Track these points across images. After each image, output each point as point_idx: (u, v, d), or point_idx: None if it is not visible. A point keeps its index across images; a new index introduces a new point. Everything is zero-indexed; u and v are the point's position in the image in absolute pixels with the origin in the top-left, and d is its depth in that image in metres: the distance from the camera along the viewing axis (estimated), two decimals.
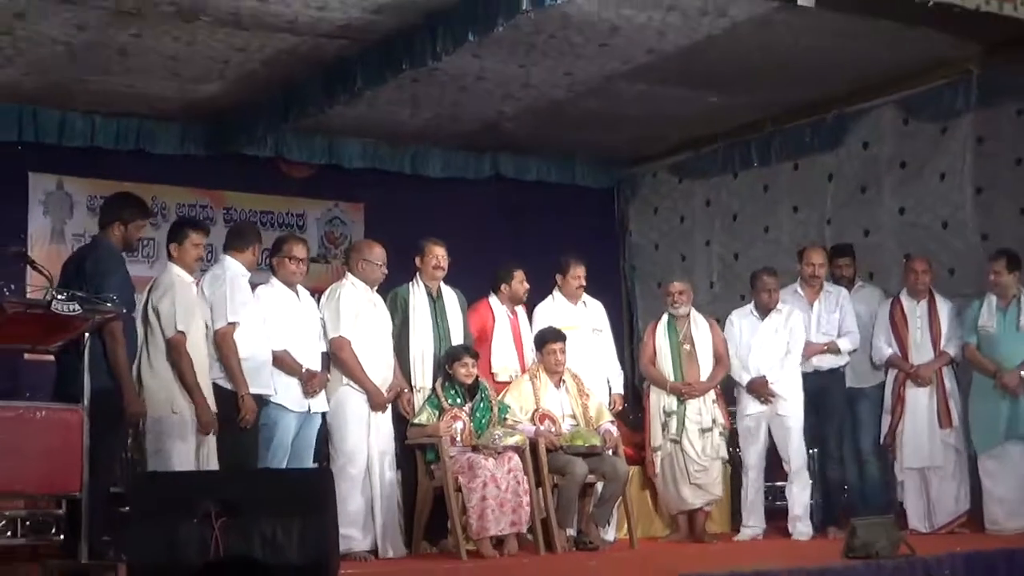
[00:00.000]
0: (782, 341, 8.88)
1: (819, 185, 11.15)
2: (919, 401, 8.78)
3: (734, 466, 9.26)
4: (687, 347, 8.83)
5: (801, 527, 8.74)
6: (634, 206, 12.89)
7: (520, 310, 8.89)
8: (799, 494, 8.81)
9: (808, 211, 11.27)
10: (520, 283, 8.76)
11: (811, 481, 8.90)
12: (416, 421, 7.99)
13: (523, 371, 8.64)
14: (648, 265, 12.52)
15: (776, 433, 8.84)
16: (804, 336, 8.86)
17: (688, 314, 8.93)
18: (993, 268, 8.51)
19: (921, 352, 8.84)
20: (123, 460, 7.13)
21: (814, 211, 11.18)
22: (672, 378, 8.79)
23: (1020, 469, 8.31)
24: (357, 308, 7.91)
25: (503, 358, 8.60)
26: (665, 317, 8.98)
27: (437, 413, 7.95)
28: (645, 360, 8.93)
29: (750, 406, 8.88)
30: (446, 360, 8.12)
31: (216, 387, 7.10)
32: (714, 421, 8.80)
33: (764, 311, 8.93)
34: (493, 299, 8.83)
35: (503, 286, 8.81)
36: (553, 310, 8.94)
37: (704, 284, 11.99)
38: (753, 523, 8.87)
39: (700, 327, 8.94)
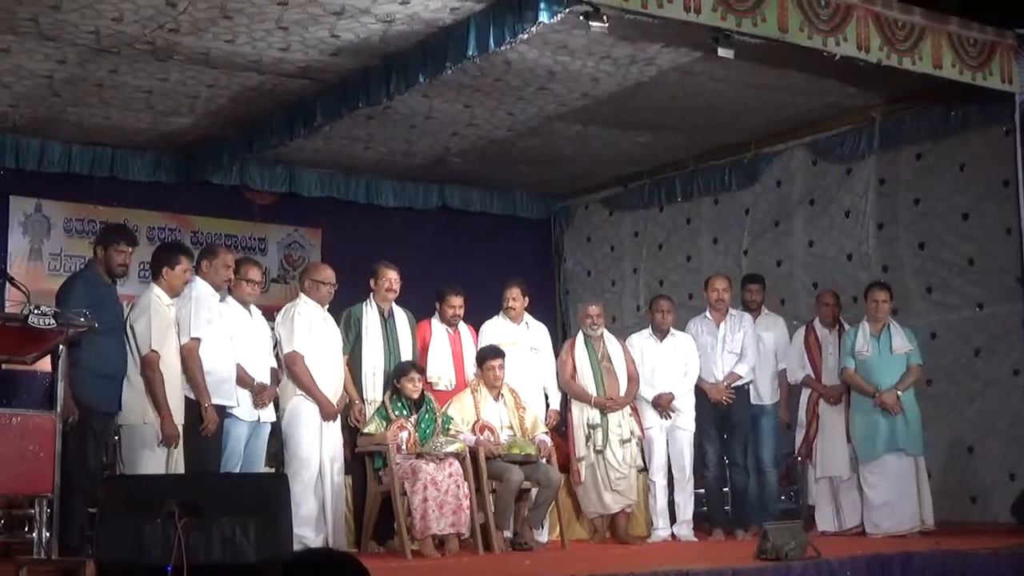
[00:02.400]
0: (680, 362, 8.95)
1: (737, 218, 11.24)
2: (831, 418, 8.81)
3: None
4: (606, 365, 8.80)
5: (686, 531, 8.88)
6: (569, 235, 12.94)
7: (464, 328, 8.83)
8: (687, 501, 8.91)
9: (727, 242, 11.35)
10: (449, 306, 8.70)
11: (696, 489, 9.00)
12: (366, 431, 7.94)
13: (460, 381, 8.62)
14: (581, 289, 12.52)
15: (672, 445, 8.92)
16: (698, 359, 8.95)
17: (602, 335, 8.93)
18: (878, 297, 8.55)
19: (832, 375, 8.87)
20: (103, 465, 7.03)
21: (732, 242, 11.27)
22: (595, 393, 8.73)
23: (896, 478, 8.39)
24: (309, 325, 7.86)
25: (437, 368, 8.54)
26: (581, 337, 8.94)
27: (385, 423, 7.90)
28: (566, 376, 8.85)
29: (650, 419, 8.92)
30: (394, 375, 8.08)
31: (185, 399, 7.02)
32: (632, 433, 8.78)
33: (661, 333, 8.99)
34: (434, 318, 8.80)
35: (437, 306, 8.80)
36: (497, 328, 8.92)
37: (631, 307, 12.05)
38: (662, 525, 8.91)
39: (614, 347, 8.93)
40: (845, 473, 8.71)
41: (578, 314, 9.39)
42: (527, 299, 9.01)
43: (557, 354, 9.11)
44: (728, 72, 8.77)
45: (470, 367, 8.72)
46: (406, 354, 8.35)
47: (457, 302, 8.75)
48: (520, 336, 8.94)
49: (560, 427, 9.13)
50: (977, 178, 9.36)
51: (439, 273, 10.07)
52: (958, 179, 9.47)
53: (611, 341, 8.99)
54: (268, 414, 7.66)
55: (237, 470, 7.30)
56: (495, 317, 8.98)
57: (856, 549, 7.21)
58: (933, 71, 7.98)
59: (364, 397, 8.19)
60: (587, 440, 8.72)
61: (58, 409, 6.09)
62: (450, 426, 8.17)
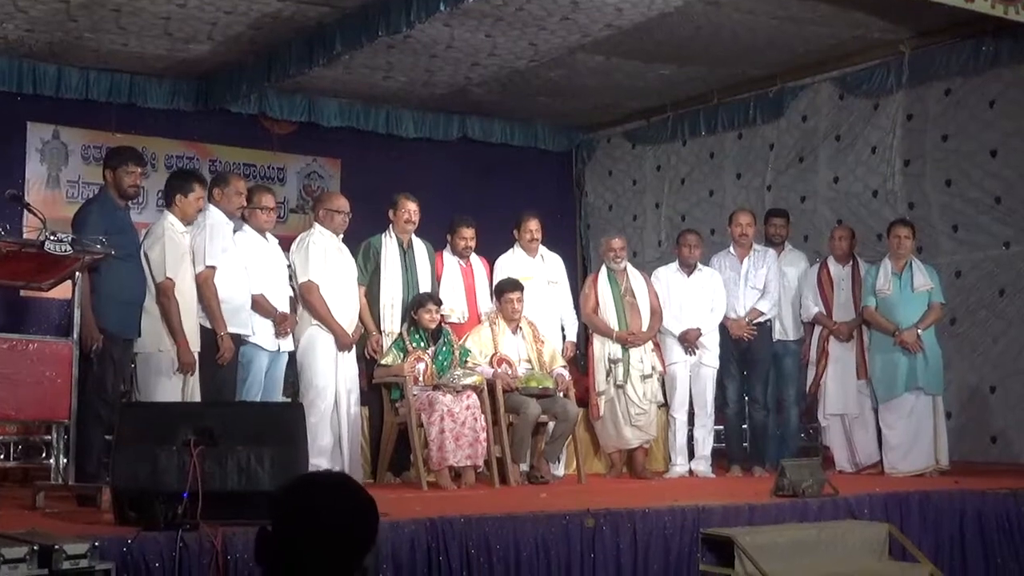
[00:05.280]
0: (708, 298, 8.95)
1: (761, 153, 11.17)
2: (841, 355, 8.80)
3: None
4: (629, 299, 8.82)
5: (704, 467, 8.92)
6: (590, 169, 12.89)
7: (476, 260, 8.85)
8: (706, 437, 8.96)
9: (750, 177, 11.29)
10: (460, 238, 8.71)
11: (715, 426, 9.05)
12: (383, 362, 7.97)
13: (472, 314, 8.66)
14: (602, 224, 12.46)
15: (695, 381, 8.94)
16: (725, 296, 8.94)
17: (625, 268, 8.93)
18: (901, 234, 8.51)
19: (844, 311, 8.85)
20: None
21: (756, 177, 11.20)
22: (616, 328, 8.73)
23: (914, 417, 8.39)
24: (324, 255, 7.87)
25: (449, 300, 8.50)
26: (604, 271, 8.95)
27: (402, 355, 7.93)
28: (588, 310, 8.86)
29: (675, 354, 8.92)
30: (412, 306, 8.10)
31: (200, 327, 7.03)
32: (653, 368, 8.79)
33: (688, 268, 8.98)
34: (446, 250, 8.82)
35: (448, 238, 8.80)
36: (512, 262, 8.93)
37: (653, 242, 12.02)
38: (680, 462, 8.93)
39: (637, 281, 8.93)
40: (854, 411, 8.72)
41: (600, 247, 9.38)
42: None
43: (574, 287, 9.17)
44: (755, 3, 8.72)
45: (483, 300, 8.77)
46: (424, 286, 8.39)
47: (468, 233, 8.76)
48: (537, 269, 8.97)
49: (579, 360, 9.18)
50: (1007, 115, 9.27)
51: (458, 205, 10.07)
52: (987, 116, 9.38)
53: (634, 275, 9.00)
54: (288, 344, 7.69)
55: (258, 398, 7.36)
56: (510, 251, 9.02)
57: (873, 487, 7.22)
58: (964, 4, 7.81)
59: (382, 329, 8.24)
60: (608, 375, 8.74)
61: (75, 336, 6.10)
62: (468, 359, 8.18)
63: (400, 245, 8.40)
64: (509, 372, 8.28)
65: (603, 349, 8.80)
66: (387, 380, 7.98)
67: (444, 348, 8.09)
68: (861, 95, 10.30)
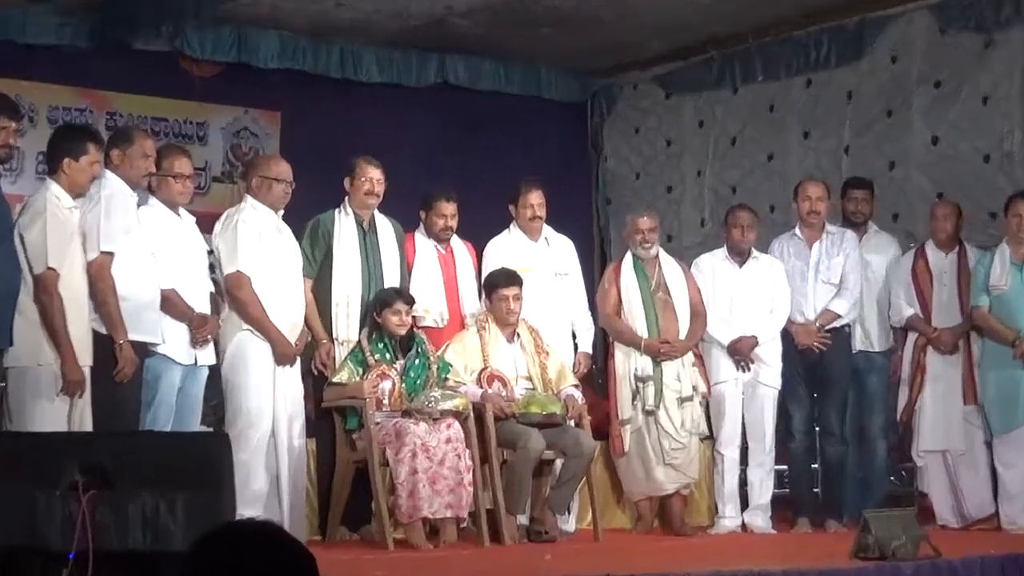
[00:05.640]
0: (765, 295, 9.04)
1: (836, 106, 11.18)
2: (942, 372, 8.90)
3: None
4: (662, 296, 8.87)
5: (761, 521, 8.99)
6: (611, 125, 12.90)
7: (459, 245, 8.94)
8: (764, 480, 9.04)
9: (822, 137, 11.31)
10: (438, 215, 8.78)
11: (776, 466, 9.17)
12: (335, 379, 7.98)
13: (453, 317, 8.75)
14: (627, 197, 12.51)
15: (750, 406, 9.04)
16: (788, 292, 9.02)
17: (657, 256, 8.99)
18: (1023, 212, 8.56)
19: (946, 314, 8.93)
20: None
21: (829, 137, 11.22)
22: (645, 334, 8.78)
23: None
24: (259, 237, 7.88)
25: (423, 298, 8.58)
26: (629, 259, 9.01)
27: (361, 370, 7.95)
28: (608, 311, 8.94)
29: (723, 370, 9.00)
30: (375, 306, 8.13)
31: (93, 333, 7.02)
32: (694, 389, 8.84)
33: (740, 256, 9.09)
34: (419, 232, 8.87)
35: (422, 216, 8.86)
36: (507, 247, 9.02)
37: (694, 221, 12.07)
38: (730, 512, 9.00)
39: (672, 272, 8.99)
40: (959, 446, 8.80)
41: (625, 228, 9.38)
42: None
43: (589, 281, 9.29)
44: None
45: (468, 298, 8.85)
46: (391, 278, 8.40)
47: (449, 210, 8.80)
48: (540, 257, 9.06)
49: (595, 378, 9.29)
50: None
51: (436, 172, 10.15)
52: None
53: (669, 264, 9.05)
54: (208, 355, 7.70)
55: (167, 428, 7.31)
56: (505, 232, 9.09)
57: (987, 548, 7.19)
58: None
59: (334, 335, 8.26)
60: (634, 397, 8.76)
61: None
62: (448, 375, 8.22)
63: (359, 225, 8.40)
64: (503, 393, 8.32)
65: (628, 363, 8.81)
66: (341, 403, 7.98)
67: (417, 361, 8.11)
68: (969, 28, 10.30)
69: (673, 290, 8.93)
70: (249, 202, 8.05)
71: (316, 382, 8.22)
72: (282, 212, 8.10)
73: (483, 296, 8.72)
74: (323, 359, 8.22)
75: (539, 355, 8.59)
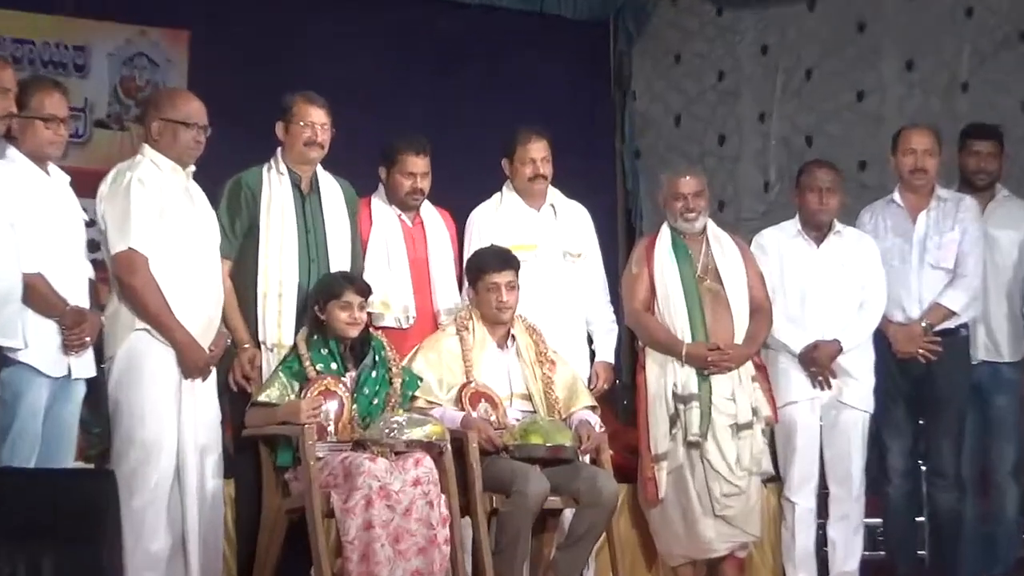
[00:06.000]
0: (853, 284, 9.11)
1: (948, 24, 11.25)
2: None
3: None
4: (711, 285, 8.91)
5: None
6: (641, 51, 13.01)
7: (433, 214, 9.01)
8: (851, 538, 9.11)
9: (928, 67, 11.39)
10: (405, 174, 8.80)
11: (867, 519, 9.29)
12: (262, 398, 7.92)
13: (424, 313, 8.81)
14: (662, 150, 12.59)
15: (831, 437, 9.15)
16: (884, 281, 9.11)
17: (704, 231, 9.06)
18: None
19: None
20: None
21: (939, 68, 11.30)
22: (689, 337, 8.81)
23: None
24: (159, 203, 7.78)
25: (383, 286, 8.60)
26: (666, 234, 9.07)
27: (297, 385, 7.94)
28: (637, 305, 8.99)
29: (795, 388, 9.07)
30: (317, 298, 8.12)
31: None
32: (755, 413, 8.84)
33: (816, 229, 9.19)
34: (377, 195, 8.94)
35: (383, 174, 8.90)
36: (499, 218, 9.09)
37: (754, 184, 12.15)
38: None
39: (727, 253, 9.04)
40: None
41: (660, 191, 9.38)
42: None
43: (612, 263, 9.47)
44: None
45: (442, 287, 8.90)
46: (339, 260, 8.42)
47: (419, 167, 8.81)
48: (544, 231, 9.10)
49: (620, 399, 9.52)
50: None
51: (403, 114, 10.27)
52: None
53: (720, 242, 9.07)
54: (85, 365, 7.62)
55: (31, 461, 7.25)
56: (496, 197, 9.16)
57: None
58: None
59: (261, 337, 8.25)
60: (672, 424, 8.78)
61: None
62: (416, 392, 8.22)
63: (295, 187, 8.38)
64: (492, 418, 8.28)
65: (664, 377, 8.84)
66: (270, 432, 7.91)
67: (374, 374, 8.10)
68: None
69: (726, 277, 8.93)
70: (147, 155, 7.93)
71: (236, 402, 8.20)
72: (192, 169, 8.03)
73: (465, 285, 8.75)
74: (245, 370, 8.17)
75: (542, 366, 8.56)
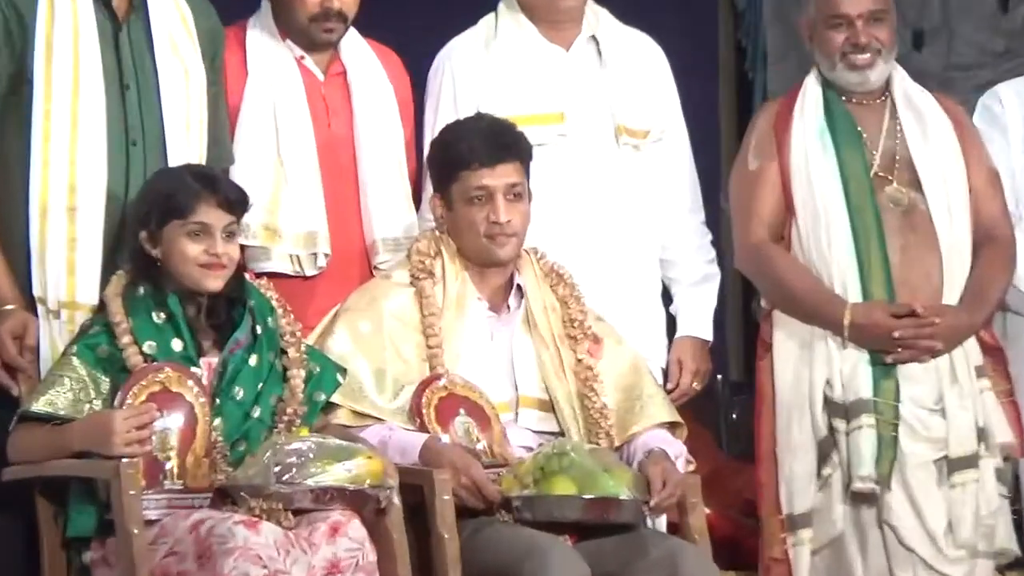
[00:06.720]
0: None
1: None
2: None
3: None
4: (897, 190, 8.93)
5: None
6: None
7: (364, 57, 9.21)
8: None
9: None
10: None
11: None
12: (39, 406, 7.76)
13: (349, 245, 9.02)
14: None
15: None
16: None
17: (886, 87, 9.17)
18: None
19: None
20: None
21: None
22: (858, 290, 8.83)
23: None
24: None
25: (262, 194, 8.72)
26: (815, 94, 9.19)
27: (107, 382, 7.83)
28: (756, 231, 9.11)
29: None
30: (144, 214, 7.99)
31: None
32: (982, 438, 8.78)
33: None
34: (257, 20, 9.12)
35: None
36: (492, 63, 9.22)
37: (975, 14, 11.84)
38: None
39: (930, 130, 9.10)
40: None
41: (803, 14, 9.49)
42: None
43: (709, 146, 9.32)
44: None
45: (383, 196, 9.10)
46: (184, 144, 8.37)
47: None
48: (577, 86, 9.20)
49: (725, 406, 9.50)
50: None
51: None
52: None
53: (918, 108, 9.12)
54: None
55: None
56: (486, 23, 9.39)
57: None
58: None
59: (38, 291, 8.20)
60: (824, 458, 8.79)
61: None
62: (335, 395, 8.15)
63: (104, 5, 8.32)
64: (480, 445, 8.20)
65: (808, 368, 8.90)
66: (54, 471, 7.79)
67: (253, 360, 8.00)
68: None
69: (928, 175, 8.95)
70: None
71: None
72: None
73: (427, 192, 8.86)
74: (8, 353, 8.07)
75: (575, 345, 8.45)
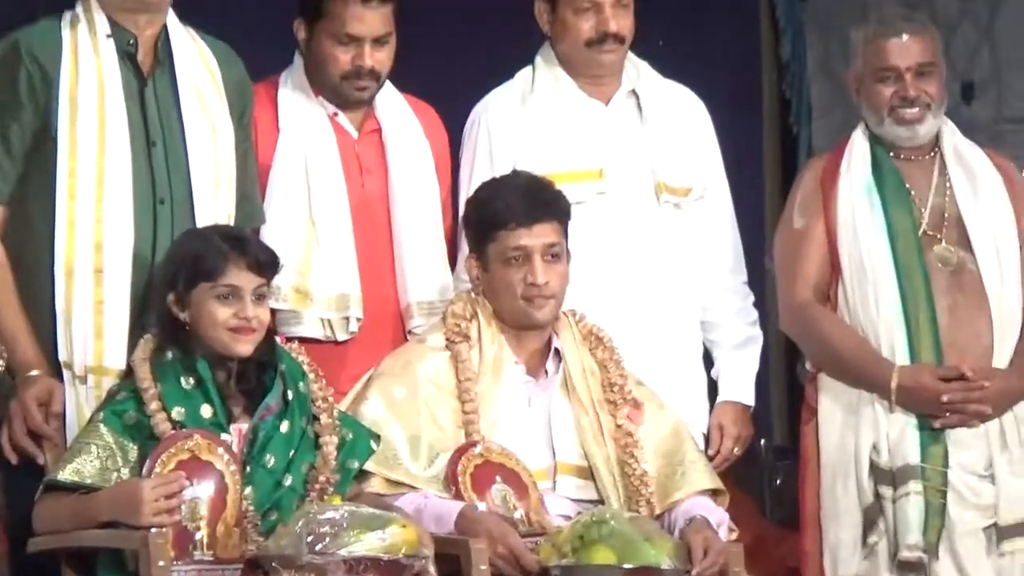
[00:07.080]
0: None
1: None
2: None
3: None
4: (946, 249, 8.87)
5: None
6: None
7: (400, 113, 9.09)
8: None
9: None
10: (339, 39, 8.77)
11: None
12: (65, 475, 7.61)
13: (383, 306, 8.92)
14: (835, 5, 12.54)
15: None
16: None
17: (936, 142, 9.07)
18: None
19: None
20: None
21: None
22: (906, 352, 8.74)
23: None
24: None
25: (294, 256, 8.65)
26: (862, 149, 9.08)
27: (135, 449, 7.69)
28: (800, 291, 9.02)
29: None
30: (172, 276, 7.86)
31: None
32: None
33: None
34: (289, 75, 9.04)
35: (301, 33, 8.92)
36: (529, 119, 9.12)
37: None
38: None
39: (981, 187, 9.03)
40: None
41: (851, 66, 9.36)
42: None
43: (752, 201, 9.12)
44: None
45: (417, 258, 9.00)
46: (213, 204, 8.30)
47: (370, 22, 8.81)
48: (617, 143, 9.13)
49: (770, 477, 9.29)
50: None
51: None
52: None
53: (968, 165, 9.05)
54: None
55: None
56: (522, 77, 9.30)
57: None
58: None
59: (64, 355, 8.07)
60: (870, 525, 8.74)
61: None
62: (369, 462, 7.99)
63: (125, 56, 8.23)
64: (518, 514, 8.06)
65: (853, 433, 8.81)
66: (80, 541, 7.65)
67: (285, 427, 7.85)
68: None
69: (978, 234, 8.90)
70: None
71: (14, 481, 8.05)
72: None
73: (462, 252, 8.86)
74: (33, 420, 7.92)
75: (615, 410, 8.27)
